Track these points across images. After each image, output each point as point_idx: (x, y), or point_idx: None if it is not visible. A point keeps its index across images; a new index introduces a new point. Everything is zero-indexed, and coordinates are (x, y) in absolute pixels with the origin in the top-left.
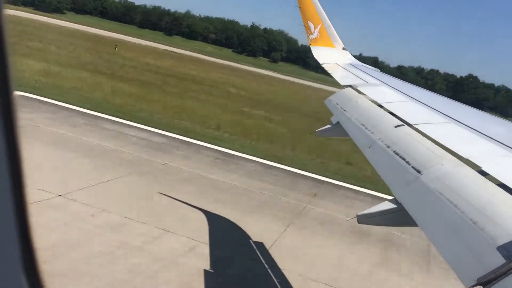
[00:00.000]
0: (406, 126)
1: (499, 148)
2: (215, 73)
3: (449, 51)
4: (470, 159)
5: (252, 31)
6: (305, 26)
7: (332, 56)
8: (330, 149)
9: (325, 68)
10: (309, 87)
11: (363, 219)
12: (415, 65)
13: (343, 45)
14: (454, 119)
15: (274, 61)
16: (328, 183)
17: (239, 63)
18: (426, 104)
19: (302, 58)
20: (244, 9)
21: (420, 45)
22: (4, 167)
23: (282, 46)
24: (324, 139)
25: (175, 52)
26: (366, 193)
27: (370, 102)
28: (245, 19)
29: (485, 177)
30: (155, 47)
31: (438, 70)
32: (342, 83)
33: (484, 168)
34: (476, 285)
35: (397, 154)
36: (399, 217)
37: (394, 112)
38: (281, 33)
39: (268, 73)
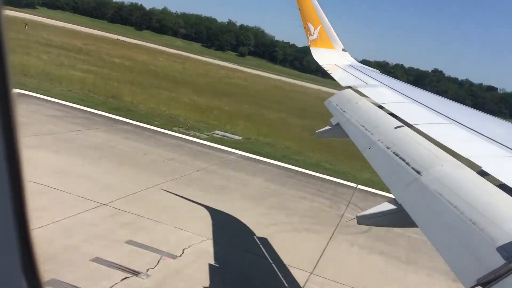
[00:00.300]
0: (405, 127)
1: (499, 149)
2: (128, 52)
3: (416, 47)
4: (470, 159)
5: (227, 27)
6: (304, 27)
7: (332, 57)
8: (120, 93)
9: (325, 69)
10: (219, 66)
11: (363, 220)
12: (381, 59)
13: (343, 47)
14: (453, 120)
15: (242, 55)
16: (51, 102)
17: (194, 53)
18: (426, 105)
19: (269, 52)
20: (243, 11)
21: (389, 40)
22: (3, 168)
23: (250, 41)
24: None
25: (124, 40)
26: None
27: (369, 103)
28: (247, 21)
29: (485, 178)
30: (108, 37)
31: (402, 65)
32: (342, 84)
33: (484, 168)
34: (476, 285)
35: (397, 155)
36: (399, 218)
37: (394, 113)
38: (258, 29)
39: (214, 61)
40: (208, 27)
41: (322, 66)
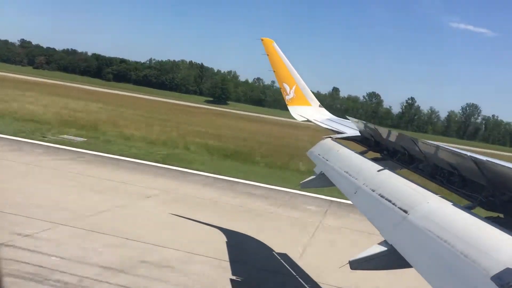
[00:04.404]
0: (387, 169)
1: None
2: None
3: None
4: None
5: None
6: (281, 88)
7: (310, 113)
8: None
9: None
10: None
11: (356, 264)
12: None
13: (319, 103)
14: None
15: None
16: None
17: None
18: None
19: None
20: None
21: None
22: None
23: None
24: None
25: None
26: None
27: (350, 150)
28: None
29: (471, 211)
30: None
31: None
32: (322, 136)
33: None
34: None
35: (382, 197)
36: (392, 259)
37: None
38: None
39: None
40: None
41: (301, 122)
